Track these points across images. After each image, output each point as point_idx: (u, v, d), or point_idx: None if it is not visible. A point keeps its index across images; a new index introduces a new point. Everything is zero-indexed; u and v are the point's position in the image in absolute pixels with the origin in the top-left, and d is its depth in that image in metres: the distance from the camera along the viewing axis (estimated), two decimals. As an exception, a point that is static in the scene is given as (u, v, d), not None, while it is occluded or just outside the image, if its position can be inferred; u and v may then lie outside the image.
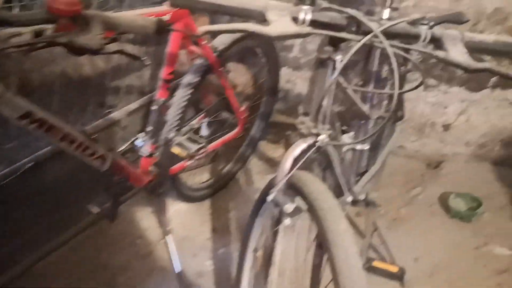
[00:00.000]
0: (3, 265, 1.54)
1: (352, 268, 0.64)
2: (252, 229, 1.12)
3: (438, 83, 2.03)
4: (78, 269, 1.69)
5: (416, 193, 2.01)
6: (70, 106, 1.52)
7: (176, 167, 1.60)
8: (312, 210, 0.76)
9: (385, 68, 1.26)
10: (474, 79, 1.93)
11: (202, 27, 0.73)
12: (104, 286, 1.64)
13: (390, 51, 0.70)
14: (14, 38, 0.79)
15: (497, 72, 0.70)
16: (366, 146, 1.32)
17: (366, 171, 1.37)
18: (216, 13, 0.73)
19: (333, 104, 0.92)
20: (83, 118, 1.60)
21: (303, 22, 0.75)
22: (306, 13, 0.75)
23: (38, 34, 0.82)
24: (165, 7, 1.24)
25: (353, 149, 1.24)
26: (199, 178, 2.15)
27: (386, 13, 1.15)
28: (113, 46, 0.83)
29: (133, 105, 1.90)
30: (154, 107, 1.42)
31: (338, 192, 1.05)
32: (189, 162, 1.65)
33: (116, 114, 1.78)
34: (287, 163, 0.86)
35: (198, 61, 1.52)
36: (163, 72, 1.38)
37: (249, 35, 1.73)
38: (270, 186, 1.01)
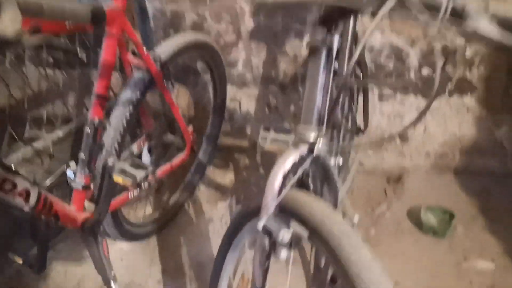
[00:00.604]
0: None
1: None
2: (221, 269, 0.92)
3: (393, 92, 1.96)
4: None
5: (381, 210, 1.90)
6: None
7: (116, 200, 1.37)
8: (318, 237, 0.59)
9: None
10: (430, 86, 1.88)
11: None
12: None
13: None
14: None
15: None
16: (340, 160, 1.17)
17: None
18: None
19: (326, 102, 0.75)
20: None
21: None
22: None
23: None
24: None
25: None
26: (142, 212, 1.91)
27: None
28: (37, 39, 0.62)
29: (59, 132, 1.65)
30: (87, 130, 1.19)
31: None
32: (131, 194, 1.42)
33: (38, 144, 1.53)
34: (276, 181, 0.68)
35: (137, 74, 1.32)
36: (97, 86, 1.16)
37: (194, 45, 1.56)
38: (245, 213, 0.83)
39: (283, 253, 0.64)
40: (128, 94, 1.29)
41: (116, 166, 1.19)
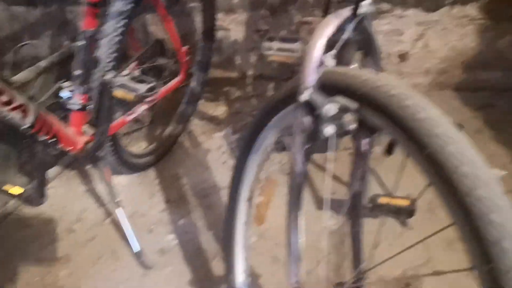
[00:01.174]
0: None
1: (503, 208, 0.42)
2: (244, 172, 0.88)
3: (391, 7, 1.89)
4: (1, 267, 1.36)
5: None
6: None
7: (115, 123, 1.30)
8: (372, 106, 0.54)
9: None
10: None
11: None
12: (44, 282, 1.32)
13: None
14: None
15: None
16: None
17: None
18: None
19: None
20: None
21: None
22: None
23: None
24: None
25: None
26: (138, 144, 1.86)
27: None
28: None
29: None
30: (80, 42, 1.11)
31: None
32: (129, 117, 1.36)
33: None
34: (317, 49, 0.62)
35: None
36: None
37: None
38: (270, 105, 0.78)
39: (329, 128, 0.60)
40: (118, 6, 1.20)
41: (115, 80, 1.12)
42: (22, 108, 0.97)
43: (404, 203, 1.05)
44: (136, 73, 1.40)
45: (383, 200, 1.07)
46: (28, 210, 1.61)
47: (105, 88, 1.11)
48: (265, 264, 1.33)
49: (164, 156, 1.84)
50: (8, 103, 0.92)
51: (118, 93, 1.12)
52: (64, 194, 1.67)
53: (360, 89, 0.57)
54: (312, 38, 0.63)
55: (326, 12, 1.25)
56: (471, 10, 1.86)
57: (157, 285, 1.30)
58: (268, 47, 1.20)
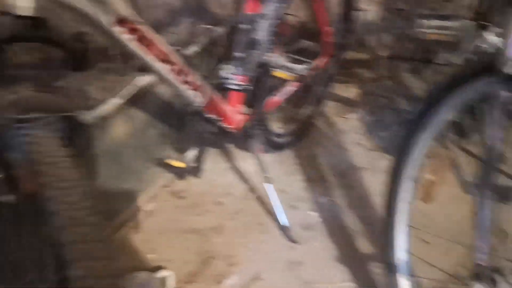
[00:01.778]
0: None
1: None
2: (411, 149, 0.89)
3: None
4: (161, 235, 1.51)
5: None
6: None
7: (269, 103, 1.38)
8: None
9: None
10: None
11: None
12: (200, 250, 1.44)
13: None
14: None
15: None
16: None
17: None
18: None
19: None
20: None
21: None
22: None
23: None
24: None
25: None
26: (276, 124, 1.93)
27: None
28: None
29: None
30: (242, 26, 1.18)
31: None
32: (281, 98, 1.42)
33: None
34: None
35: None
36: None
37: None
38: (448, 84, 0.78)
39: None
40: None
41: (274, 61, 1.19)
42: (198, 88, 1.07)
43: None
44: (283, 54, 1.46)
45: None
46: (181, 183, 1.76)
47: (265, 68, 1.18)
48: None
49: (302, 136, 1.89)
50: (189, 82, 1.02)
51: (278, 73, 1.19)
52: (211, 170, 1.80)
53: None
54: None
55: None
56: None
57: (304, 258, 1.37)
58: (425, 25, 1.19)
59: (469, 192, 1.41)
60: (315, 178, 1.67)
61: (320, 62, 1.62)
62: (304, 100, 1.93)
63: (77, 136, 0.69)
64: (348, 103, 2.10)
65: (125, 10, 0.78)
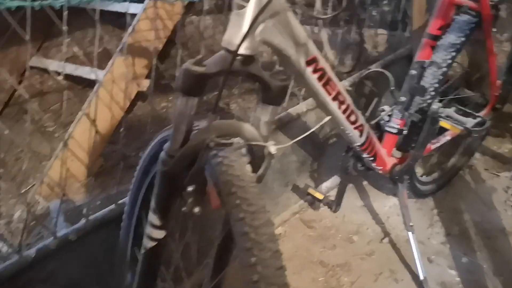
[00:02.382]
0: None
1: None
2: None
3: None
4: (289, 261, 1.55)
5: None
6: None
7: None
8: None
9: None
10: None
11: None
12: (327, 285, 1.46)
13: None
14: None
15: None
16: None
17: None
18: None
19: None
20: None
21: None
22: None
23: None
24: None
25: None
26: (419, 171, 1.89)
27: None
28: None
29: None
30: (412, 72, 1.19)
31: None
32: (434, 145, 1.40)
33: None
34: None
35: (464, 16, 1.26)
36: (431, 26, 1.15)
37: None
38: None
39: None
40: (451, 38, 1.24)
41: (439, 110, 1.18)
42: (360, 128, 1.10)
43: None
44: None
45: None
46: (312, 213, 1.80)
47: (430, 116, 1.17)
48: None
49: (444, 186, 1.83)
50: (354, 122, 1.06)
51: (445, 124, 1.17)
52: (344, 205, 1.81)
53: None
54: None
55: None
56: None
57: (438, 318, 1.31)
58: None
59: None
60: (457, 234, 1.60)
61: (483, 114, 1.56)
62: (454, 150, 1.87)
63: (258, 164, 0.76)
64: (501, 160, 1.98)
65: (315, 50, 0.84)
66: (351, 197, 1.85)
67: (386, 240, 1.62)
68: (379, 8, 2.26)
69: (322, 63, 0.87)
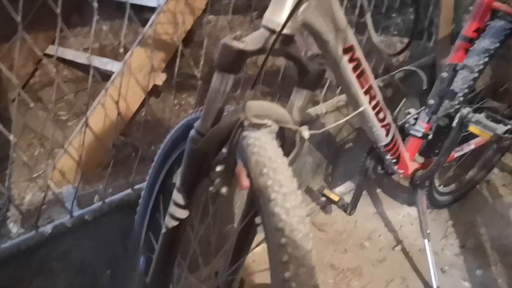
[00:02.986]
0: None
1: None
2: None
3: None
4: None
5: None
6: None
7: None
8: None
9: None
10: None
11: None
12: (338, 287, 1.44)
13: None
14: None
15: None
16: None
17: None
18: None
19: None
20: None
21: None
22: None
23: None
24: None
25: None
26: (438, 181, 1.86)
27: None
28: None
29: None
30: (444, 74, 1.18)
31: None
32: (457, 153, 1.38)
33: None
34: None
35: (498, 22, 1.24)
36: (466, 28, 1.13)
37: None
38: None
39: None
40: (485, 43, 1.23)
41: (471, 115, 1.16)
42: (388, 127, 1.09)
43: None
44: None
45: None
46: (323, 216, 1.78)
47: (461, 120, 1.15)
48: None
49: (460, 199, 1.81)
50: (382, 119, 1.04)
51: (474, 129, 1.16)
52: (356, 212, 1.79)
53: None
54: None
55: None
56: None
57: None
58: None
59: None
60: (472, 247, 1.58)
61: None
62: (473, 163, 1.84)
63: (290, 148, 0.74)
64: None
65: (353, 38, 0.83)
66: (364, 203, 1.83)
67: (398, 248, 1.60)
68: (404, 16, 2.25)
69: (359, 53, 0.86)
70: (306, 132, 0.72)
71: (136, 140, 2.21)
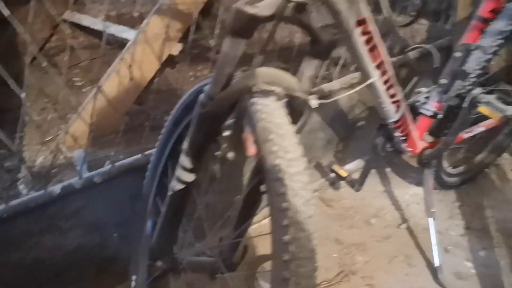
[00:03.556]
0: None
1: None
2: None
3: None
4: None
5: None
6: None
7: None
8: None
9: None
10: None
11: None
12: (342, 262, 1.46)
13: None
14: None
15: None
16: None
17: None
18: None
19: None
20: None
21: None
22: None
23: None
24: None
25: None
26: (446, 162, 1.86)
27: None
28: None
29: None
30: (457, 54, 1.16)
31: None
32: (466, 135, 1.37)
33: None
34: None
35: (512, 5, 1.22)
36: (483, 8, 1.11)
37: None
38: None
39: None
40: (501, 25, 1.21)
41: (480, 95, 1.15)
42: (398, 104, 1.08)
43: None
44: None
45: None
46: (331, 192, 1.79)
47: (470, 101, 1.15)
48: None
49: (468, 181, 1.80)
50: (392, 96, 1.04)
51: (484, 109, 1.15)
52: (365, 189, 1.80)
53: None
54: None
55: None
56: None
57: (450, 306, 1.30)
58: None
59: None
60: (477, 229, 1.58)
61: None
62: (483, 146, 1.83)
63: (298, 116, 0.75)
64: (529, 162, 1.93)
65: (367, 11, 0.82)
66: (372, 182, 1.84)
67: (403, 226, 1.61)
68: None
69: (372, 27, 0.85)
70: (314, 101, 0.72)
71: (149, 108, 2.22)
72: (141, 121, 2.27)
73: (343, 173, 1.45)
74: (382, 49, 0.90)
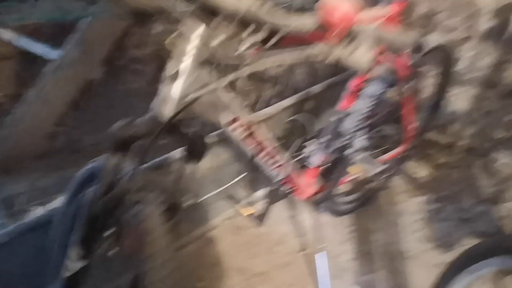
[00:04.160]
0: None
1: None
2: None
3: None
4: (213, 266, 1.66)
5: None
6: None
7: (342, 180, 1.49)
8: None
9: None
10: None
11: None
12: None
13: None
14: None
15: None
16: None
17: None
18: None
19: None
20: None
21: None
22: None
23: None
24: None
25: None
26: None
27: None
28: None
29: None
30: (333, 118, 1.31)
31: None
32: (347, 179, 1.53)
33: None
34: None
35: (385, 70, 1.37)
36: (353, 82, 1.26)
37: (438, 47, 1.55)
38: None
39: None
40: (374, 90, 1.36)
41: (351, 157, 1.30)
42: (280, 167, 1.21)
43: None
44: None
45: None
46: (242, 219, 1.90)
47: (342, 160, 1.30)
48: None
49: (361, 206, 1.97)
50: (273, 163, 1.17)
51: (352, 169, 1.30)
52: (272, 215, 1.92)
53: None
54: None
55: None
56: None
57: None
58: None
59: None
60: (364, 253, 1.75)
61: (400, 149, 1.70)
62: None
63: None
64: (415, 185, 2.13)
65: (239, 110, 0.93)
66: (281, 207, 1.94)
67: (301, 253, 1.75)
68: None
69: (244, 121, 0.96)
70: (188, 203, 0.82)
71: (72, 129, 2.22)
72: (61, 144, 2.25)
73: (250, 211, 1.55)
74: (261, 133, 1.01)
